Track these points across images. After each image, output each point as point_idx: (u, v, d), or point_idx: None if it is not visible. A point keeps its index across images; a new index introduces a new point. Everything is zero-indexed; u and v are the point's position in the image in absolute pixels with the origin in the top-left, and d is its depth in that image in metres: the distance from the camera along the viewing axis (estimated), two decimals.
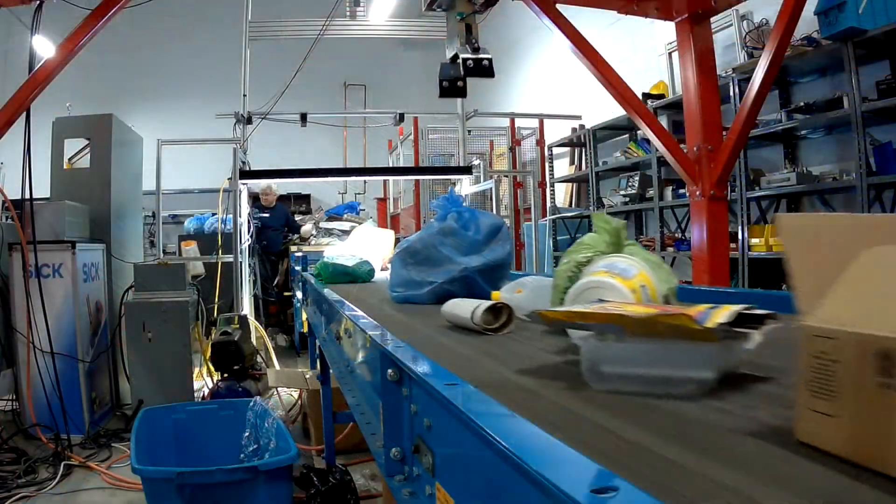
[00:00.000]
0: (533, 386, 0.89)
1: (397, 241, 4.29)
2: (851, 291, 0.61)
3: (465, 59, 2.36)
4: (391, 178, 9.37)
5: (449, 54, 2.47)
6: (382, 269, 3.41)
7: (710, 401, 0.77)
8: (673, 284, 1.23)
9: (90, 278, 4.50)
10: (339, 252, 3.41)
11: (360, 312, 1.51)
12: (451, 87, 2.45)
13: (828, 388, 0.58)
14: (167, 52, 11.42)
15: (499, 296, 1.57)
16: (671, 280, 1.24)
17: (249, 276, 5.76)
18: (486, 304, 1.37)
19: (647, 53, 6.78)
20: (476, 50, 2.39)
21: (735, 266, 4.76)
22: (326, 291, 2.22)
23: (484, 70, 2.38)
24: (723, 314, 0.84)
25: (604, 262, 1.22)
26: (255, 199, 7.07)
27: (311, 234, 7.20)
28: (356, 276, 3.00)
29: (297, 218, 8.06)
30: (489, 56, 2.41)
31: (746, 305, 0.90)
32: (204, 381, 4.77)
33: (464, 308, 1.40)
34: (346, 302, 1.78)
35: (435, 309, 1.67)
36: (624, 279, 1.12)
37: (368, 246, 3.71)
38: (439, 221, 2.04)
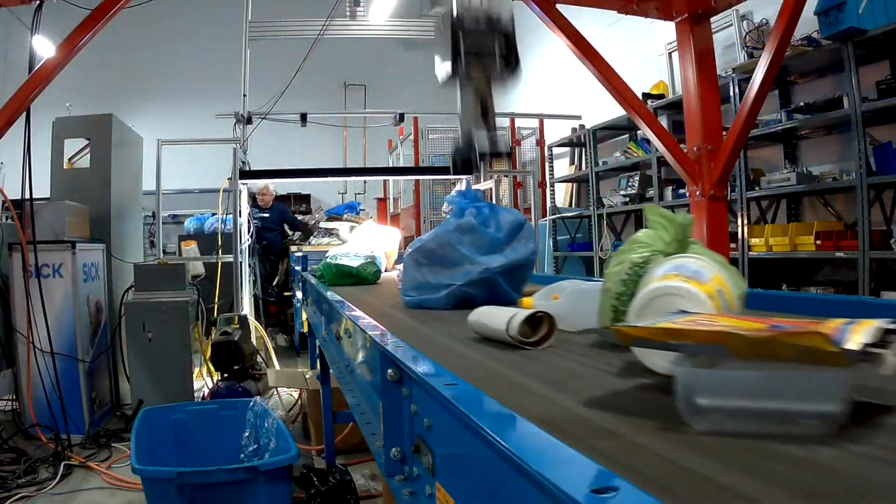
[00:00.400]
0: (608, 423, 0.71)
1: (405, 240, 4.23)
2: None
3: (479, 148, 2.12)
4: (391, 178, 9.38)
5: (462, 130, 2.24)
6: (386, 270, 3.36)
7: (848, 444, 0.60)
8: (743, 289, 1.07)
9: (90, 278, 4.50)
10: (342, 251, 3.25)
11: (360, 313, 1.50)
12: (465, 165, 2.20)
13: None
14: (167, 52, 11.42)
15: (531, 303, 1.38)
16: (741, 284, 1.07)
17: (249, 276, 5.76)
18: (523, 313, 1.18)
19: (647, 53, 6.78)
20: (492, 132, 2.15)
21: (735, 266, 4.76)
22: (329, 294, 2.06)
23: (498, 153, 2.16)
24: (864, 331, 0.68)
25: (670, 263, 1.04)
26: (253, 198, 7.07)
27: (319, 223, 7.20)
28: (362, 277, 2.80)
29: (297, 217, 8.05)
30: (506, 146, 2.17)
31: (890, 320, 0.74)
32: (204, 381, 4.77)
33: (496, 317, 1.22)
34: (352, 306, 1.65)
35: (454, 316, 1.56)
36: (699, 284, 0.95)
37: (372, 245, 3.53)
38: (456, 218, 1.87)
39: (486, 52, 2.10)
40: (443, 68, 2.13)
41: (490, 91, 2.16)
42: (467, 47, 2.08)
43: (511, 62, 2.13)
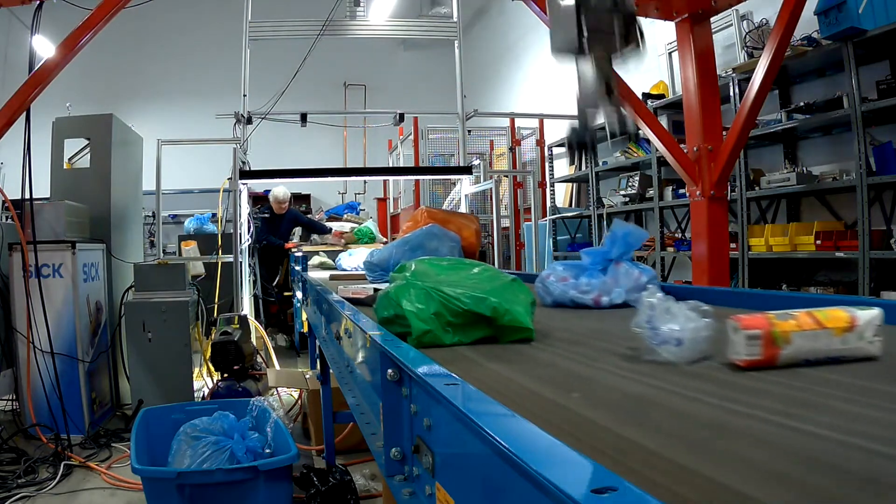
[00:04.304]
0: None
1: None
2: None
3: (609, 123, 1.98)
4: (391, 178, 9.38)
5: (579, 109, 2.07)
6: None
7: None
8: None
9: (90, 278, 4.50)
10: (400, 250, 2.24)
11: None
12: (581, 148, 2.07)
13: None
14: (167, 52, 11.43)
15: None
16: None
17: (249, 276, 5.76)
18: None
19: (647, 53, 6.78)
20: (618, 111, 1.97)
21: (735, 266, 4.76)
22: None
23: (626, 133, 2.01)
24: None
25: None
26: (255, 200, 7.06)
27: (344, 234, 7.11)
28: (509, 325, 1.27)
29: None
30: (634, 126, 1.99)
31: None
32: (204, 381, 4.77)
33: None
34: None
35: None
36: None
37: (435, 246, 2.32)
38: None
39: (608, 29, 2.00)
40: (561, 43, 2.02)
41: (612, 69, 2.03)
42: (591, 23, 1.97)
43: (633, 40, 2.01)
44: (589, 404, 0.85)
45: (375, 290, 2.07)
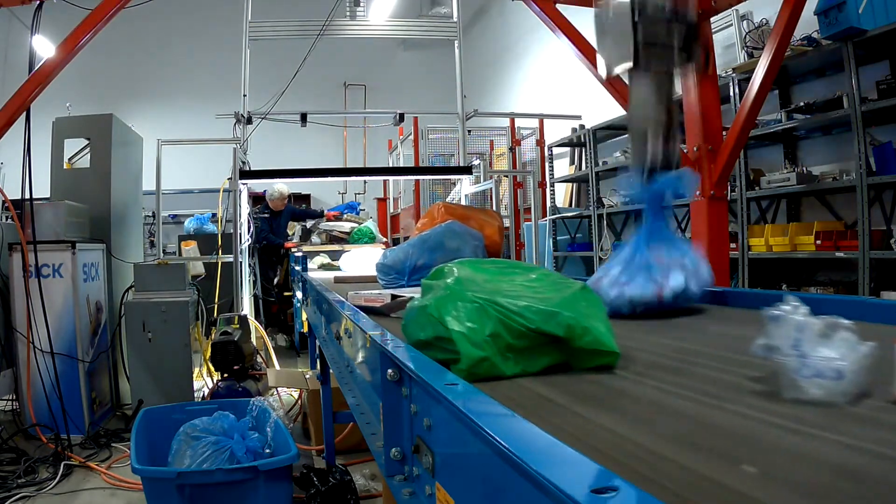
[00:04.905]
0: None
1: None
2: None
3: (652, 158, 1.71)
4: (391, 178, 9.38)
5: (640, 132, 1.78)
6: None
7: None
8: None
9: (90, 278, 4.50)
10: (430, 249, 2.10)
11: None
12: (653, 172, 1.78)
13: None
14: (167, 52, 11.43)
15: None
16: None
17: (249, 276, 5.76)
18: None
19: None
20: (670, 145, 1.71)
21: (735, 266, 4.76)
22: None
23: (670, 167, 1.74)
24: None
25: None
26: (255, 200, 7.06)
27: (319, 223, 7.15)
28: (588, 348, 0.99)
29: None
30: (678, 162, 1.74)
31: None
32: (204, 381, 4.77)
33: None
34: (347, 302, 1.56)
35: None
36: None
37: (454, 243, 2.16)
38: None
39: (668, 42, 1.70)
40: (615, 57, 1.72)
41: (672, 92, 1.74)
42: (648, 35, 1.67)
43: (695, 55, 1.72)
44: (780, 488, 0.53)
45: (393, 296, 1.80)
